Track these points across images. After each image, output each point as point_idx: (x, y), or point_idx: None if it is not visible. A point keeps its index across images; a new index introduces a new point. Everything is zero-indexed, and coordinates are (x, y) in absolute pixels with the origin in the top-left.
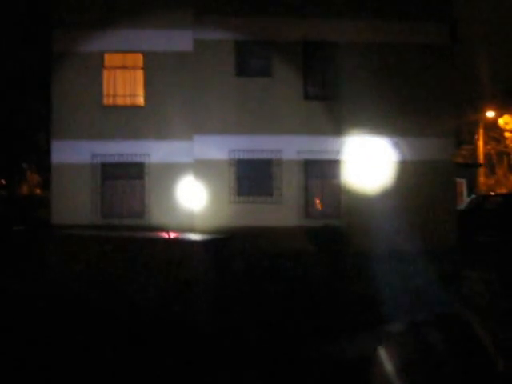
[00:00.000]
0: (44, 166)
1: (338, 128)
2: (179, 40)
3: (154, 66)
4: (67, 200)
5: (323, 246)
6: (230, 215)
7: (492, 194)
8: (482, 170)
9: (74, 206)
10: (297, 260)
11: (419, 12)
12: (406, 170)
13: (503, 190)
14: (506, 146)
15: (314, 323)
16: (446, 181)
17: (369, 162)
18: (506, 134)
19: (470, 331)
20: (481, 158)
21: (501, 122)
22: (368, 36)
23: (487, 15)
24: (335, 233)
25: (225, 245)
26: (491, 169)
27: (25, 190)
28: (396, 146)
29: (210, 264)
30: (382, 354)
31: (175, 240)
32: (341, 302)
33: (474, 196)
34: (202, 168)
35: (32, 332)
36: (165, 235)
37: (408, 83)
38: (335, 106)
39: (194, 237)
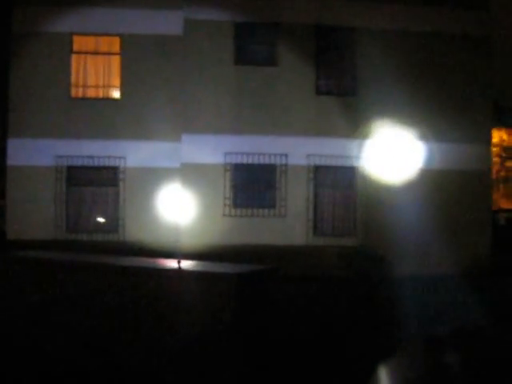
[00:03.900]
0: None
1: (356, 129)
2: (165, 21)
3: (134, 52)
4: (26, 210)
5: (362, 272)
6: (224, 231)
7: (502, 208)
8: None
9: (34, 217)
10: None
11: None
12: (434, 181)
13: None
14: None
15: None
16: (481, 194)
17: (391, 169)
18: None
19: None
20: None
21: None
22: (394, 22)
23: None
24: (373, 256)
25: (267, 280)
26: None
27: None
28: (423, 151)
29: (245, 310)
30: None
31: (191, 272)
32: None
33: None
34: (190, 174)
35: None
36: (172, 264)
37: (439, 79)
38: (352, 102)
39: (221, 268)
